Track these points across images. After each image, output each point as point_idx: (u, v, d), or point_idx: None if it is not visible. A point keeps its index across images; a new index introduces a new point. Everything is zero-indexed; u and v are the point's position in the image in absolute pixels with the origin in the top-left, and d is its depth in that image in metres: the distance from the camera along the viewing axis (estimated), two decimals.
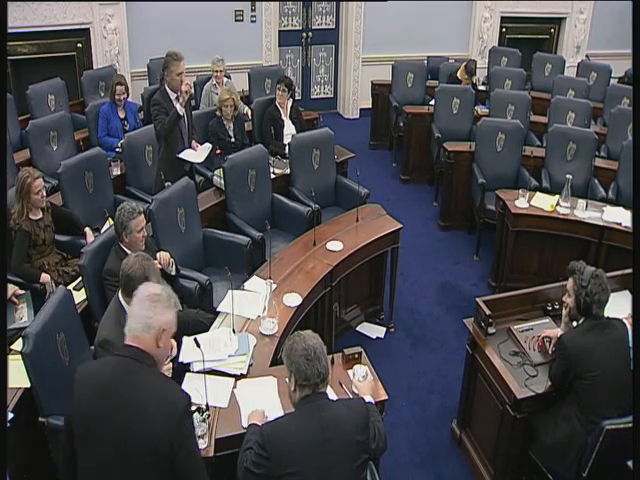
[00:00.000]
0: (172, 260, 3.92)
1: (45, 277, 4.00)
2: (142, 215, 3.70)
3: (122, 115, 5.97)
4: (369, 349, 3.49)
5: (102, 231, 4.17)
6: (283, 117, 6.02)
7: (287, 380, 2.43)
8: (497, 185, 5.48)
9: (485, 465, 3.67)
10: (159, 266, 3.62)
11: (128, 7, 7.35)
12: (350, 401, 2.52)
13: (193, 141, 4.99)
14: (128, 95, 6.08)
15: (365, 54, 8.76)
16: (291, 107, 6.12)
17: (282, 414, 2.53)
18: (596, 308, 3.08)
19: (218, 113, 5.71)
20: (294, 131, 5.92)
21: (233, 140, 5.70)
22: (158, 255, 3.78)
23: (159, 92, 4.79)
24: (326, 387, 2.40)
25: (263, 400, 3.00)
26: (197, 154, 4.97)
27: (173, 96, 4.71)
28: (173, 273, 3.95)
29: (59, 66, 7.16)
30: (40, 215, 4.18)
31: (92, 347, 3.36)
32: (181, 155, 4.83)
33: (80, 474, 2.14)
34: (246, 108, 6.41)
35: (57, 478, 3.15)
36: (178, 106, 4.62)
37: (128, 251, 3.60)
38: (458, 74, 7.24)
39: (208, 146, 5.12)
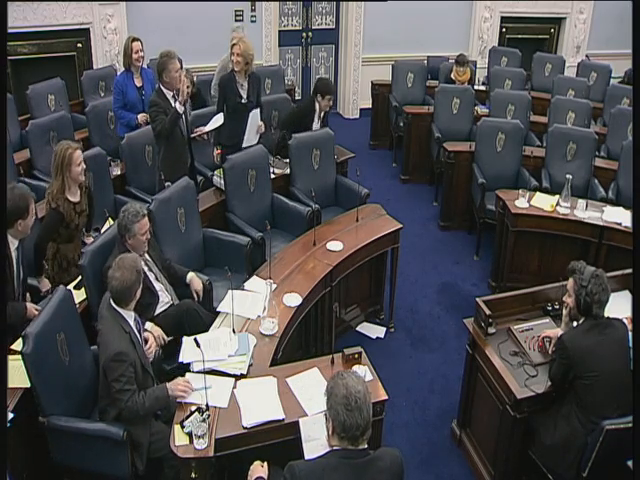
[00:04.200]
0: (161, 334, 3.60)
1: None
2: (146, 218, 3.67)
3: (139, 84, 5.57)
4: (369, 349, 3.49)
5: (102, 231, 4.16)
6: (314, 122, 5.69)
7: (325, 419, 2.33)
8: (497, 185, 5.48)
9: (485, 465, 3.67)
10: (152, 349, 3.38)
11: (128, 7, 7.35)
12: (391, 459, 2.32)
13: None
14: (144, 58, 5.73)
15: (365, 54, 8.76)
16: (324, 114, 5.75)
17: (319, 455, 2.37)
18: (596, 308, 3.08)
19: (230, 66, 5.22)
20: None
21: (244, 101, 5.22)
22: (146, 335, 3.42)
23: (155, 93, 4.79)
24: (366, 442, 2.26)
25: (263, 400, 3.01)
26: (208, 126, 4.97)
27: (169, 95, 4.71)
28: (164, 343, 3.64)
29: (59, 66, 7.15)
30: (78, 198, 4.07)
31: (92, 347, 3.36)
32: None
33: None
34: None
35: (57, 478, 3.19)
36: (177, 105, 4.60)
37: (131, 251, 3.60)
38: (452, 75, 7.24)
39: (218, 117, 5.06)
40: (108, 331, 3.07)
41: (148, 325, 3.50)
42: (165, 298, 3.88)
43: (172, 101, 4.69)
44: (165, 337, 3.57)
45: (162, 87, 4.71)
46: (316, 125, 5.72)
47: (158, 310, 3.81)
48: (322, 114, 5.73)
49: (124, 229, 3.61)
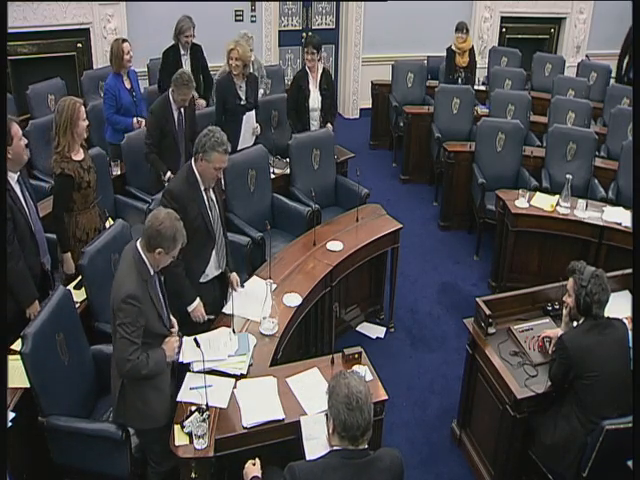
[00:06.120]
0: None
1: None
2: (227, 156, 3.43)
3: (129, 85, 5.46)
4: (369, 349, 3.50)
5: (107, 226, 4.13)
6: (310, 86, 5.59)
7: (325, 419, 2.33)
8: (497, 185, 5.49)
9: (485, 465, 3.67)
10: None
11: (128, 7, 7.34)
12: (391, 460, 2.32)
13: None
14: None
15: (365, 54, 8.74)
16: (321, 74, 5.62)
17: (320, 455, 2.36)
18: (596, 308, 3.08)
19: (227, 68, 5.26)
20: (319, 104, 5.62)
21: (243, 103, 5.26)
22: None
23: (162, 98, 4.78)
24: (366, 442, 2.26)
25: (263, 400, 3.01)
26: None
27: (174, 107, 4.75)
28: None
29: (59, 66, 7.14)
30: (82, 155, 3.88)
31: (92, 347, 3.36)
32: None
33: None
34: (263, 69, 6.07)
35: (57, 478, 3.18)
36: (167, 176, 4.70)
37: (198, 176, 3.44)
38: (452, 46, 7.21)
39: None
40: (124, 273, 2.88)
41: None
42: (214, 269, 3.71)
43: (175, 113, 4.75)
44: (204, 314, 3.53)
45: (171, 97, 4.73)
46: (314, 92, 5.62)
47: (204, 279, 3.66)
48: (319, 77, 5.62)
49: (201, 148, 3.37)
